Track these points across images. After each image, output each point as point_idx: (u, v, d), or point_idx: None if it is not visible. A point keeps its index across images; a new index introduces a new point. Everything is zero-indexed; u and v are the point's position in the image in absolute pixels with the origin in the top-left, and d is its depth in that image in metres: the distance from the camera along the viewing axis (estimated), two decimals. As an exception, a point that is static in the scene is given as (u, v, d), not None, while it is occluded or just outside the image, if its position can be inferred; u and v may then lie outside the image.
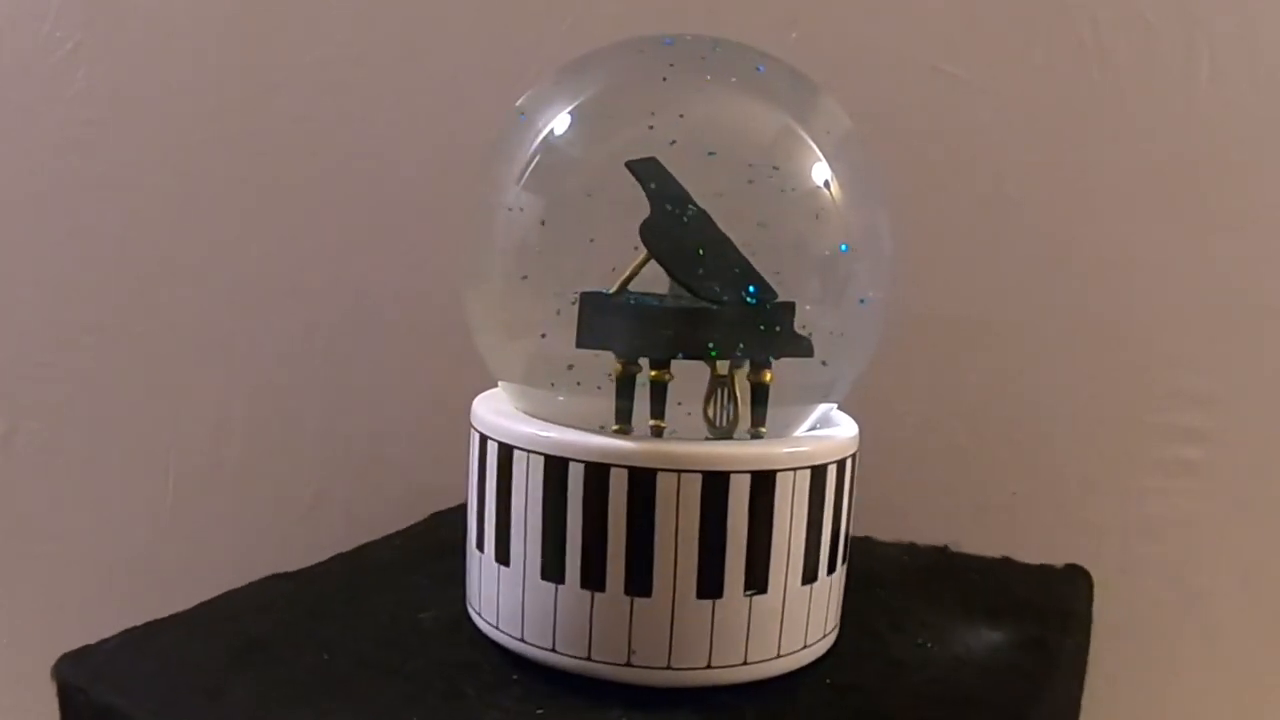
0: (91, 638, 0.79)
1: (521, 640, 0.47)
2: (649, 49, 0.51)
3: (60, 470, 0.78)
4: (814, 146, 0.49)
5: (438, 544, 0.61)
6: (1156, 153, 0.72)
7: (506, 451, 0.47)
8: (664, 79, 0.50)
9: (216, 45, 0.73)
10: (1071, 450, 0.75)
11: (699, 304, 0.45)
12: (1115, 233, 0.72)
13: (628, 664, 0.45)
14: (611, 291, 0.46)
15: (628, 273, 0.45)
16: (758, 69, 0.51)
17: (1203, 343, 0.73)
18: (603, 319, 0.45)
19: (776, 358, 0.46)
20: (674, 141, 0.47)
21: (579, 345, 0.46)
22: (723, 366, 0.46)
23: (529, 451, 0.46)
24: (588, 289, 0.46)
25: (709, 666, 0.45)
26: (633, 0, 0.70)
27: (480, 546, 0.49)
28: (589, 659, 0.45)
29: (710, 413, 0.46)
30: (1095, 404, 0.74)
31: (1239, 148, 0.71)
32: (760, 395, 0.46)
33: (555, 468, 0.45)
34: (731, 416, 0.46)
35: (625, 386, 0.46)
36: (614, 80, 0.51)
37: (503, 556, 0.47)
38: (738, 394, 0.46)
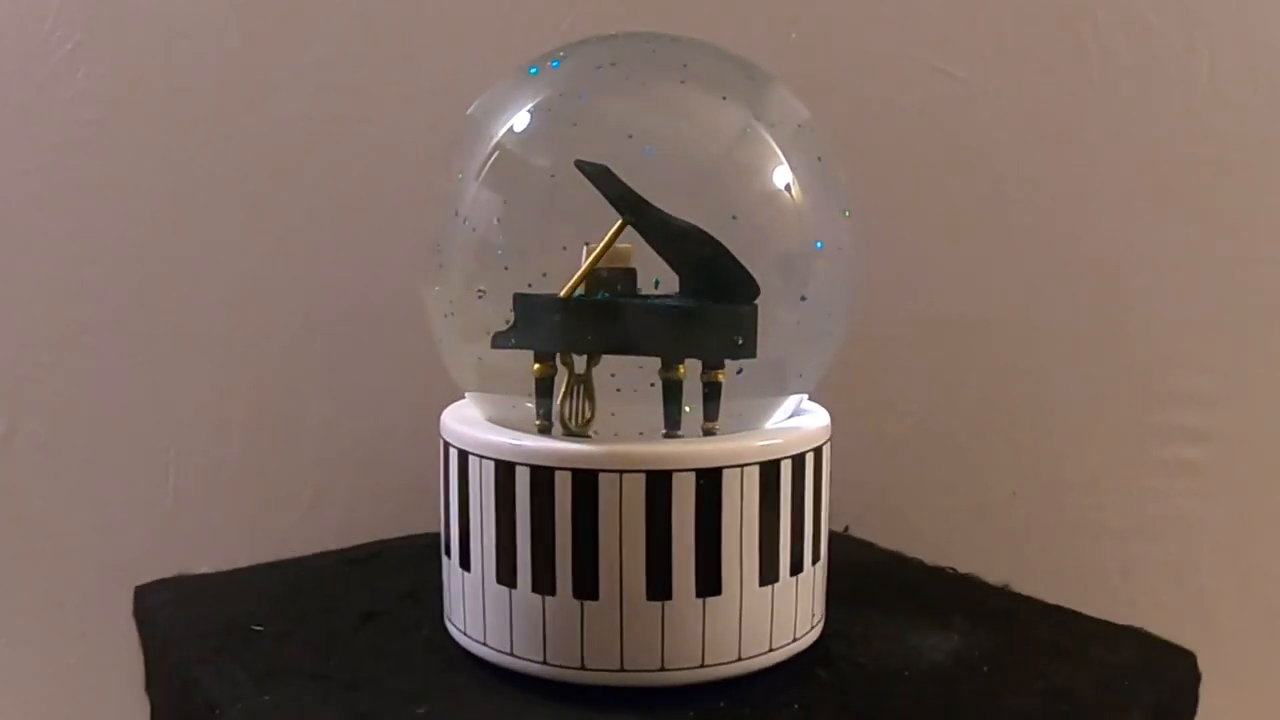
0: (91, 637, 0.79)
1: (484, 644, 0.47)
2: (606, 47, 0.51)
3: (60, 470, 0.78)
4: (768, 139, 0.48)
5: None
6: (1156, 153, 0.71)
7: (463, 457, 0.47)
8: (617, 76, 0.50)
9: (217, 45, 0.73)
10: (1071, 450, 0.75)
11: (662, 302, 0.45)
12: (1115, 233, 0.72)
13: (581, 667, 0.45)
14: (563, 294, 0.45)
15: (581, 272, 0.45)
16: (711, 64, 0.51)
17: (1203, 343, 0.73)
18: (563, 320, 0.45)
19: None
20: (626, 138, 0.46)
21: (536, 348, 0.45)
22: (580, 364, 0.46)
23: (480, 456, 0.46)
24: (525, 292, 0.45)
25: (662, 669, 0.45)
26: (630, 1, 0.70)
27: (448, 552, 0.49)
28: (545, 663, 0.45)
29: (566, 411, 0.46)
30: (1095, 404, 0.74)
31: (1239, 148, 0.71)
32: (713, 393, 0.46)
33: (504, 472, 0.45)
34: (588, 415, 0.46)
35: (545, 386, 0.46)
36: (568, 80, 0.51)
37: (465, 562, 0.48)
38: (594, 392, 0.46)
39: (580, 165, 0.44)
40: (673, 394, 0.45)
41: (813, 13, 0.71)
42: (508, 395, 0.48)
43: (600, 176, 0.44)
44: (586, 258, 0.45)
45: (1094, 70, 0.71)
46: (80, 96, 0.74)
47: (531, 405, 0.47)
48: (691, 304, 0.45)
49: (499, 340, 0.46)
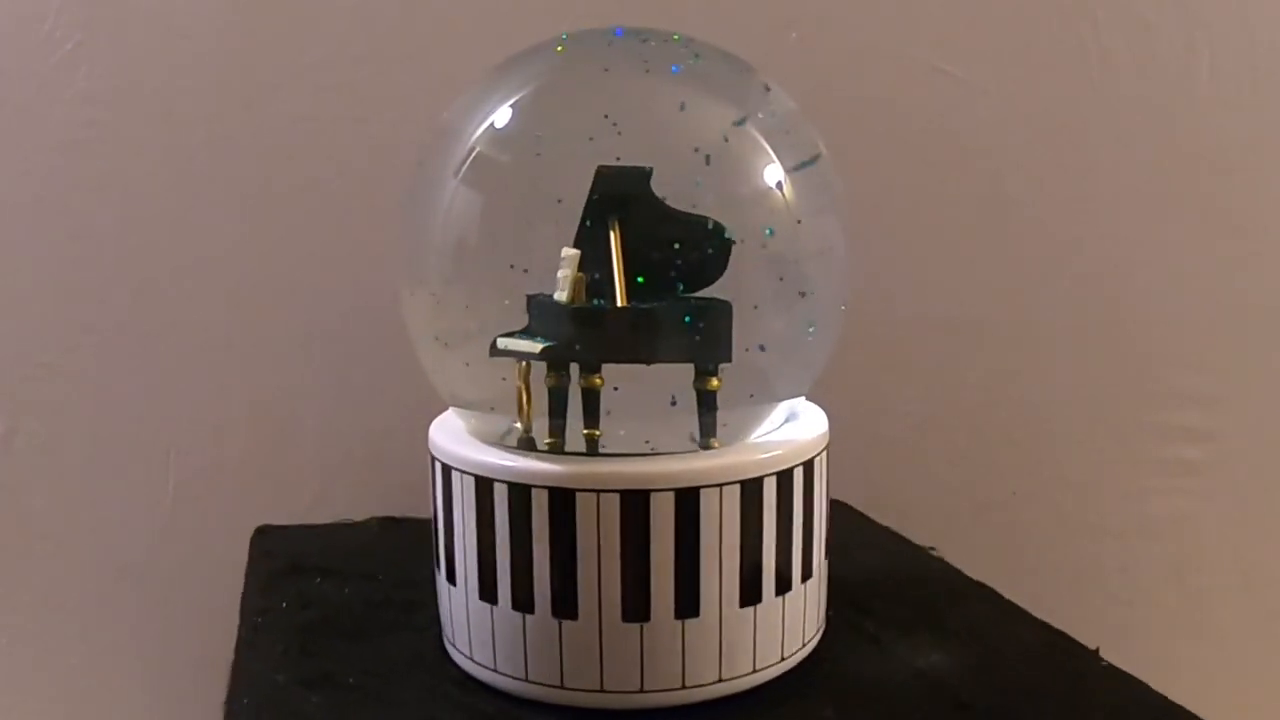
0: (91, 637, 0.79)
1: (470, 659, 0.46)
2: (582, 45, 0.50)
3: (60, 470, 0.78)
4: (754, 135, 0.48)
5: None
6: (1156, 153, 0.71)
7: (447, 472, 0.46)
8: (604, 70, 0.50)
9: (216, 45, 0.73)
10: (1071, 450, 0.75)
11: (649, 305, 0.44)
12: (1115, 233, 0.72)
13: (561, 686, 0.44)
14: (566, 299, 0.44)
15: (618, 279, 0.44)
16: (694, 58, 0.50)
17: (1203, 343, 0.73)
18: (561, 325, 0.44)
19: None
20: (591, 138, 0.46)
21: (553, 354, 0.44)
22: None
23: (462, 472, 0.45)
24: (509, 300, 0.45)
25: (641, 690, 0.43)
26: (631, 0, 0.70)
27: (438, 566, 0.49)
28: (526, 680, 0.44)
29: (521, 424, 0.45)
30: (1095, 404, 0.74)
31: (1239, 148, 0.71)
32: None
33: (484, 489, 0.44)
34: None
35: (560, 396, 0.45)
36: (546, 79, 0.50)
37: (450, 577, 0.47)
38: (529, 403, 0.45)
39: (607, 168, 0.43)
40: (708, 404, 0.45)
41: (813, 13, 0.71)
42: (490, 412, 0.47)
43: (631, 177, 0.43)
44: (567, 261, 0.44)
45: (1094, 70, 0.71)
46: (80, 96, 0.74)
47: (509, 420, 0.46)
48: (726, 302, 0.44)
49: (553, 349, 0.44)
